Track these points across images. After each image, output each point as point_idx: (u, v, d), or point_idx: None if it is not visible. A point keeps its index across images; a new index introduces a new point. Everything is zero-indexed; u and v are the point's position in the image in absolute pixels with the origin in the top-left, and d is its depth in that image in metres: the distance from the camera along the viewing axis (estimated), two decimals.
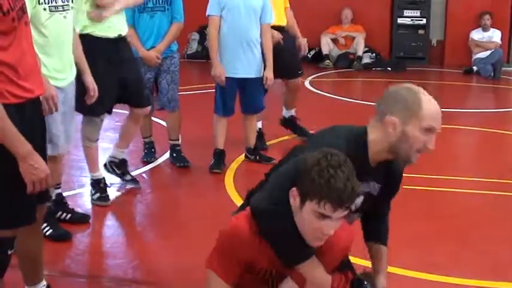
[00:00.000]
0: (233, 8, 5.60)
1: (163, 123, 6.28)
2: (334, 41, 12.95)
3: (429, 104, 2.84)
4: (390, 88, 2.96)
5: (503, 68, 12.14)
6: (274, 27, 6.13)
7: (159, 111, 5.97)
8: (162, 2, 5.60)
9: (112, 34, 4.89)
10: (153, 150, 6.10)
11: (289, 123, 6.91)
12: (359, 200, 2.96)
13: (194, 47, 12.74)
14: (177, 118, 5.92)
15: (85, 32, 4.81)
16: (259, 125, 6.53)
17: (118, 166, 5.42)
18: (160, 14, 5.61)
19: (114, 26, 4.90)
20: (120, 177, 5.42)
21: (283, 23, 6.47)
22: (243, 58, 5.67)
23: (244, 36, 5.65)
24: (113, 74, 4.91)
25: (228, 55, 5.65)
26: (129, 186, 5.40)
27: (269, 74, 5.78)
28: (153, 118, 6.12)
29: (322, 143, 2.84)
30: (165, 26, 5.64)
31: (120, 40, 4.98)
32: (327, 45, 12.79)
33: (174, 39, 5.76)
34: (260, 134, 6.53)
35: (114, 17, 4.89)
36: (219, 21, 5.64)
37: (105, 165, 5.44)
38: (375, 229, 3.27)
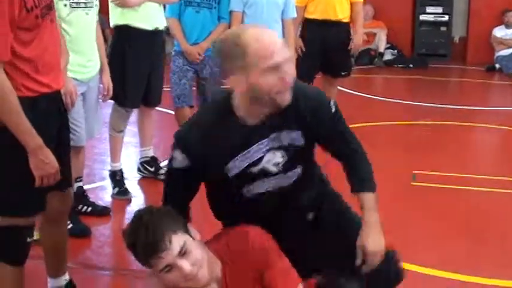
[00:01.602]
0: (256, 3, 5.57)
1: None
2: None
3: (255, 43, 2.46)
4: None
5: None
6: (327, 22, 6.37)
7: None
8: None
9: (149, 26, 4.92)
10: None
11: None
12: (276, 157, 2.67)
13: None
14: None
15: (121, 23, 4.86)
16: None
17: (150, 164, 5.48)
18: (206, 10, 5.54)
19: (152, 18, 4.93)
20: (155, 175, 5.46)
21: (336, 17, 6.54)
22: None
23: None
24: (143, 68, 4.97)
25: None
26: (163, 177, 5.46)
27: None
28: (169, 111, 6.10)
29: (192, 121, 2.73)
30: (209, 23, 5.58)
31: (156, 34, 5.00)
32: None
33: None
34: None
35: (151, 9, 4.92)
36: (242, 17, 5.64)
37: (138, 169, 5.52)
38: (350, 180, 2.82)
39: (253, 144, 2.64)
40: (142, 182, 5.45)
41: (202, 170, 2.68)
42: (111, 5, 4.88)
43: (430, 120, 7.86)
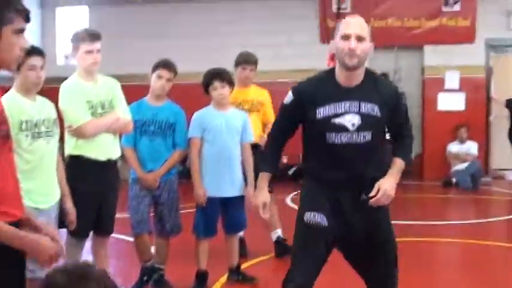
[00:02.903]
0: (215, 128, 5.66)
1: None
2: None
3: (344, 20, 3.83)
4: None
5: (482, 179, 12.28)
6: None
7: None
8: (165, 127, 5.65)
9: (102, 157, 4.93)
10: (145, 278, 5.83)
11: (279, 247, 6.81)
12: (355, 119, 3.72)
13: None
14: (167, 243, 5.85)
15: (75, 153, 4.87)
16: (241, 233, 6.52)
17: None
18: (161, 139, 5.64)
19: (105, 149, 4.96)
20: None
21: (259, 141, 6.58)
22: (226, 177, 5.68)
23: (227, 156, 5.68)
24: (96, 198, 4.94)
25: (211, 175, 5.66)
26: None
27: (251, 190, 5.80)
28: (128, 238, 6.01)
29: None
30: (164, 151, 5.66)
31: (109, 164, 5.01)
32: None
33: (175, 165, 5.79)
34: (242, 241, 6.60)
35: (105, 140, 4.95)
36: (201, 142, 5.71)
37: None
38: (394, 147, 3.99)
39: (342, 101, 3.74)
40: None
41: (301, 107, 3.82)
42: (66, 135, 4.90)
43: None
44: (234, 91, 6.13)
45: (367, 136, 3.75)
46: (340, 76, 3.81)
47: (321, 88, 3.81)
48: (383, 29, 13.44)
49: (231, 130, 5.71)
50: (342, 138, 3.74)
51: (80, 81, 4.94)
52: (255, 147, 6.11)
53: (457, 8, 13.31)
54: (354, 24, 3.77)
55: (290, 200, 10.59)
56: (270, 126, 6.54)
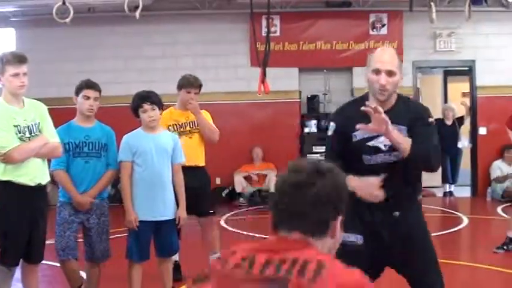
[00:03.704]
0: (145, 151, 5.62)
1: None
2: (247, 178, 13.11)
3: (376, 53, 4.07)
4: None
5: None
6: (191, 168, 6.21)
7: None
8: (99, 148, 5.58)
9: (31, 182, 4.83)
10: None
11: None
12: (387, 140, 3.87)
13: (107, 189, 12.63)
14: (98, 269, 5.73)
15: (4, 179, 4.76)
16: (176, 257, 6.46)
17: None
18: (95, 160, 5.57)
19: (34, 174, 4.85)
20: None
21: (201, 163, 6.57)
22: (158, 200, 5.63)
23: (158, 179, 5.63)
24: (25, 224, 4.83)
25: (143, 198, 5.60)
26: None
27: (182, 213, 5.76)
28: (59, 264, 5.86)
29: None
30: (99, 171, 5.61)
31: (39, 189, 4.90)
32: (240, 184, 12.92)
33: (107, 185, 5.72)
34: (177, 266, 6.56)
35: (34, 165, 4.84)
36: (131, 166, 5.64)
37: None
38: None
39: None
40: None
41: (343, 133, 4.03)
42: None
43: None
44: (176, 113, 6.12)
45: (399, 155, 3.95)
46: (373, 103, 3.98)
47: (355, 113, 4.00)
48: (312, 51, 13.63)
49: (160, 153, 5.67)
50: (378, 159, 3.99)
51: (6, 105, 4.84)
52: (188, 168, 6.07)
53: (384, 31, 13.58)
54: (385, 61, 4.00)
55: (224, 222, 10.52)
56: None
